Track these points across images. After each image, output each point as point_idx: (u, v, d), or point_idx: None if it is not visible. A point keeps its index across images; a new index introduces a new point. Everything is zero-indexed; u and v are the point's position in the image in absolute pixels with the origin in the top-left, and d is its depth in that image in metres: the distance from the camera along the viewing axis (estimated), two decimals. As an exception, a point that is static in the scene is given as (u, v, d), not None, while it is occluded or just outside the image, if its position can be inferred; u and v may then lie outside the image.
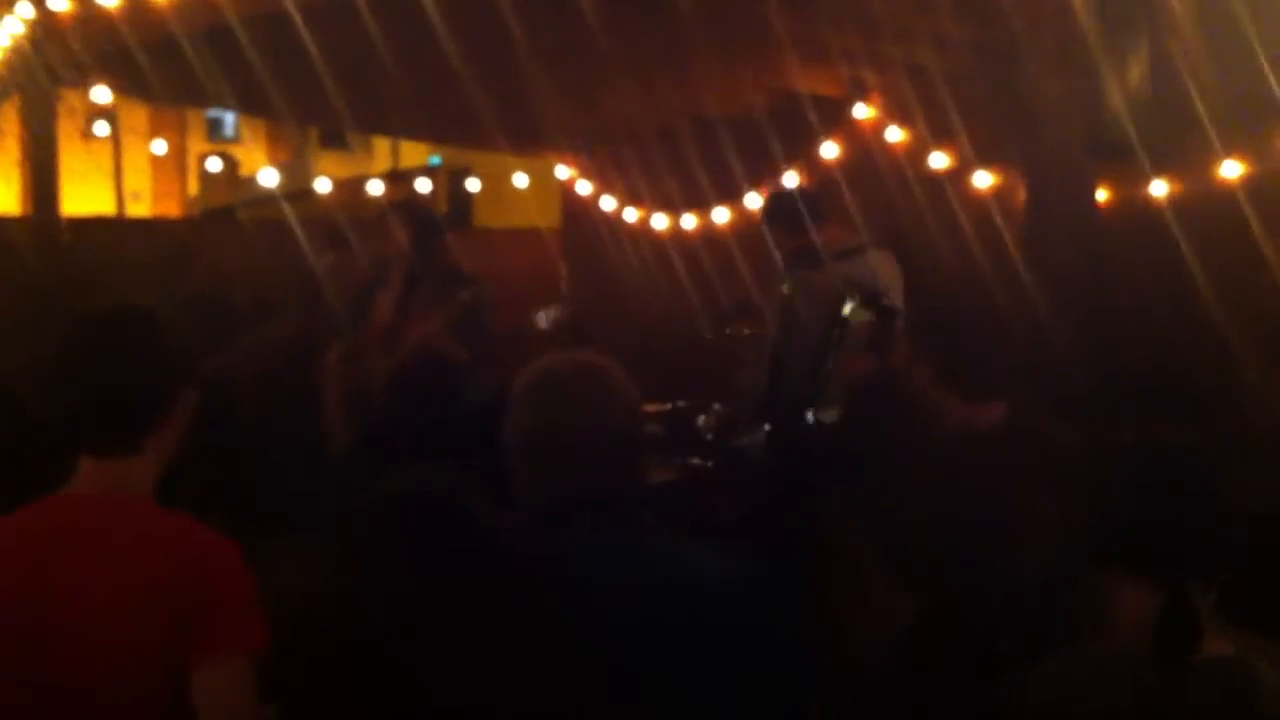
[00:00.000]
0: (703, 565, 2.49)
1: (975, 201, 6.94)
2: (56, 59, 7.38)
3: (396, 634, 1.78)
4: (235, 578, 2.42)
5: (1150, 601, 2.17)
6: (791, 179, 8.24)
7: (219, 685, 2.36)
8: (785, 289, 5.83)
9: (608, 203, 10.13)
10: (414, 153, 22.04)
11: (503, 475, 2.52)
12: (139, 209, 29.79)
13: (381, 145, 27.15)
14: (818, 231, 5.89)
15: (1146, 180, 6.30)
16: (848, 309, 5.49)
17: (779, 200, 6.31)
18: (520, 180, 12.25)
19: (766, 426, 6.07)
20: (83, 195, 21.79)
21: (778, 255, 5.89)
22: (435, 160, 19.74)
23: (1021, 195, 5.73)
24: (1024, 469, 3.06)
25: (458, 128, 9.42)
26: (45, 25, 7.16)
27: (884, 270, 5.76)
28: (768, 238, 6.12)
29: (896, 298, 5.71)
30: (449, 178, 17.21)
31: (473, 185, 15.36)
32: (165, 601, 2.36)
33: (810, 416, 5.61)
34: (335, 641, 1.81)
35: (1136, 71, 4.72)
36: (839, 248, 5.89)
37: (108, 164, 26.87)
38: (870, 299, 5.49)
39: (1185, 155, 6.09)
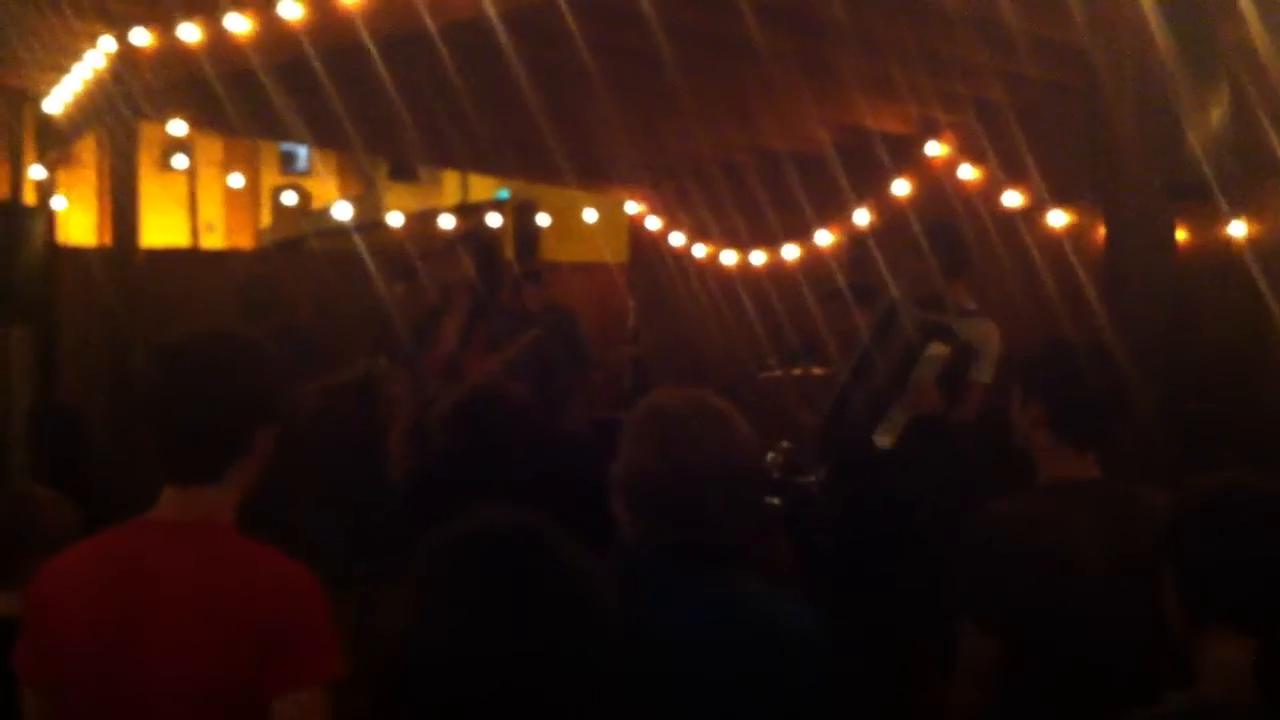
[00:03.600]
0: (794, 619, 2.44)
1: (1049, 240, 6.86)
2: (137, 92, 7.50)
3: (470, 675, 1.75)
4: (315, 607, 2.43)
5: (1243, 653, 2.12)
6: (862, 216, 8.20)
7: (297, 715, 2.37)
8: (868, 338, 5.73)
9: (676, 238, 10.14)
10: (482, 186, 22.15)
11: (572, 512, 2.50)
12: (213, 240, 30.17)
13: (450, 178, 27.30)
14: (945, 284, 5.76)
15: (1225, 221, 6.22)
16: (930, 349, 5.42)
17: (940, 233, 6.00)
18: (589, 215, 12.29)
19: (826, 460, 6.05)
20: (158, 226, 22.12)
21: (908, 290, 5.70)
22: (503, 194, 19.84)
23: (1096, 234, 5.67)
24: (1107, 520, 3.01)
25: (527, 162, 9.48)
26: (126, 58, 7.28)
27: (988, 340, 5.67)
28: (906, 270, 5.88)
29: (989, 364, 5.61)
30: (517, 212, 17.29)
31: (541, 220, 15.42)
32: (246, 629, 2.36)
33: (876, 440, 5.56)
34: (406, 680, 1.79)
35: (1216, 112, 4.65)
36: (956, 308, 5.79)
37: (183, 195, 27.28)
38: (947, 335, 5.43)
39: (1264, 197, 6.01)
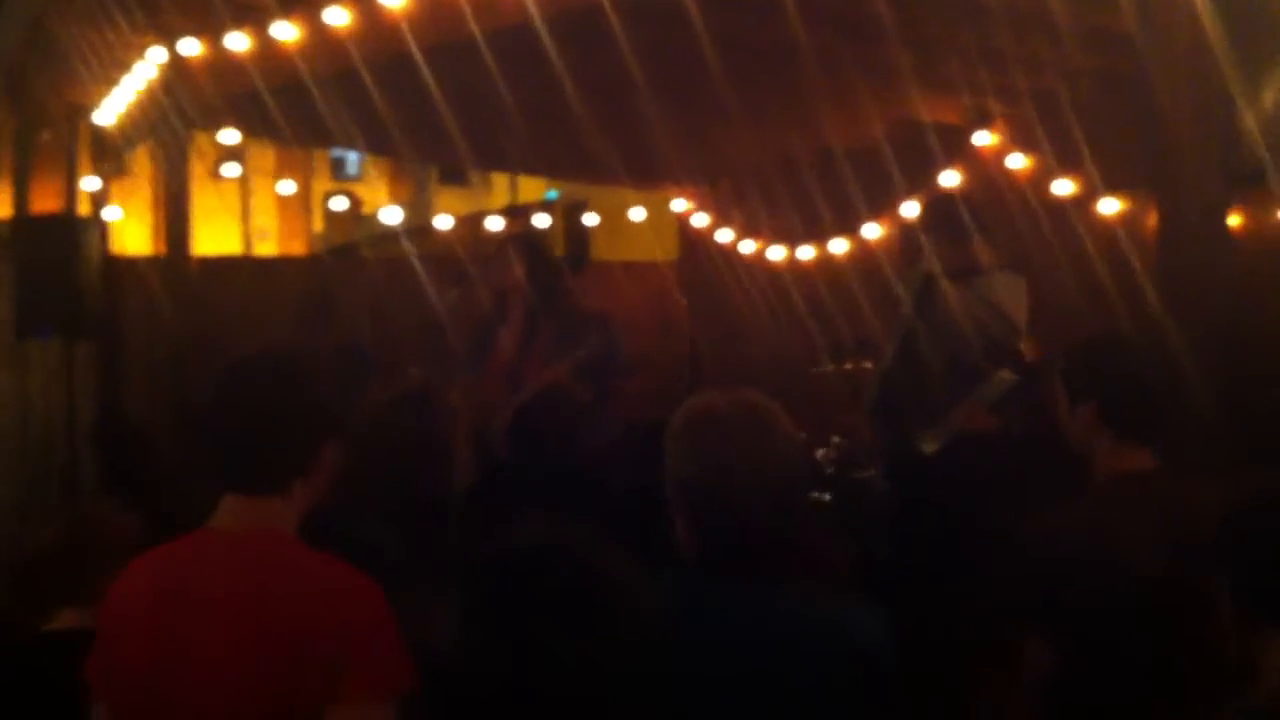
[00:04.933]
0: (857, 627, 2.42)
1: (1101, 228, 6.81)
2: (188, 102, 7.57)
3: (522, 690, 1.76)
4: (380, 619, 2.43)
5: None
6: (912, 209, 8.15)
7: None
8: (909, 311, 5.63)
9: (724, 235, 10.12)
10: (531, 187, 22.24)
11: (626, 518, 2.50)
12: (265, 248, 30.44)
13: (500, 180, 27.42)
14: (975, 246, 5.65)
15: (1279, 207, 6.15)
16: (997, 373, 5.33)
17: (941, 207, 5.94)
18: (637, 213, 12.30)
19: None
20: (211, 235, 22.34)
21: (936, 267, 5.58)
22: (552, 195, 19.89)
23: (1149, 222, 5.61)
24: (1167, 515, 2.96)
25: (577, 163, 9.50)
26: (177, 69, 7.34)
27: (1011, 293, 5.56)
28: (925, 248, 5.71)
29: (1020, 322, 5.52)
30: (566, 212, 17.33)
31: (590, 220, 15.45)
32: (310, 641, 2.37)
33: (916, 440, 5.49)
34: (461, 696, 1.80)
35: (1270, 97, 4.60)
36: (986, 265, 5.68)
37: (235, 204, 27.56)
38: (1016, 362, 5.34)
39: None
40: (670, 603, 1.94)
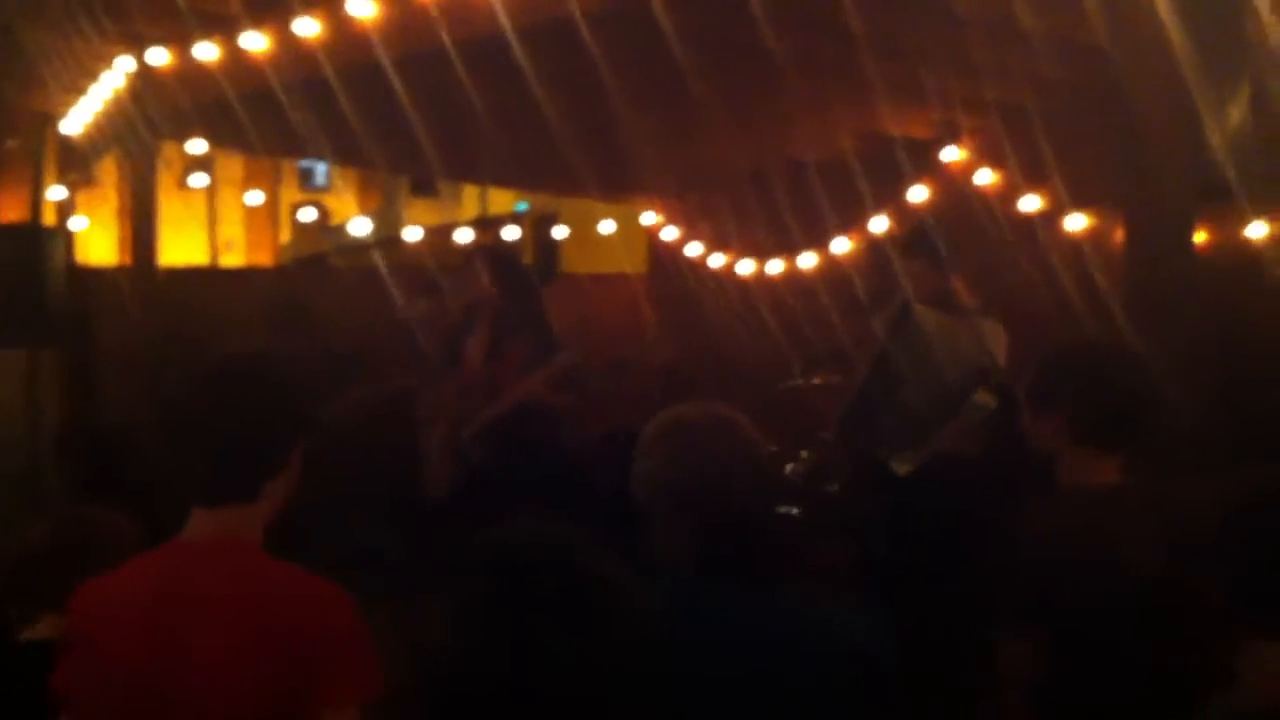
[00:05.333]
0: (849, 626, 2.45)
1: (1069, 244, 6.85)
2: (156, 111, 7.53)
3: (519, 691, 1.76)
4: (350, 628, 2.43)
5: None
6: (881, 223, 8.19)
7: None
8: (883, 337, 5.66)
9: (694, 248, 10.14)
10: (501, 199, 22.22)
11: (604, 523, 2.51)
12: (232, 258, 30.33)
13: (470, 192, 27.41)
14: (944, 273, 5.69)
15: (1246, 221, 6.20)
16: (977, 397, 5.34)
17: (923, 234, 5.96)
18: (606, 226, 12.31)
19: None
20: (178, 245, 22.23)
21: (911, 293, 5.61)
22: (522, 206, 19.90)
23: (1116, 237, 5.64)
24: (1140, 525, 2.97)
25: (547, 175, 9.50)
26: (145, 78, 7.31)
27: (996, 341, 5.60)
28: (903, 274, 5.76)
29: (998, 360, 5.54)
30: (535, 224, 17.34)
31: (559, 232, 15.45)
32: (282, 651, 2.37)
33: (892, 466, 5.49)
34: (457, 696, 1.79)
35: (1236, 112, 4.64)
36: (964, 305, 5.72)
37: (202, 213, 27.46)
38: (995, 387, 5.35)
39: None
40: (666, 604, 1.94)
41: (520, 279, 6.48)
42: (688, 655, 2.17)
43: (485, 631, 1.81)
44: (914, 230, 6.18)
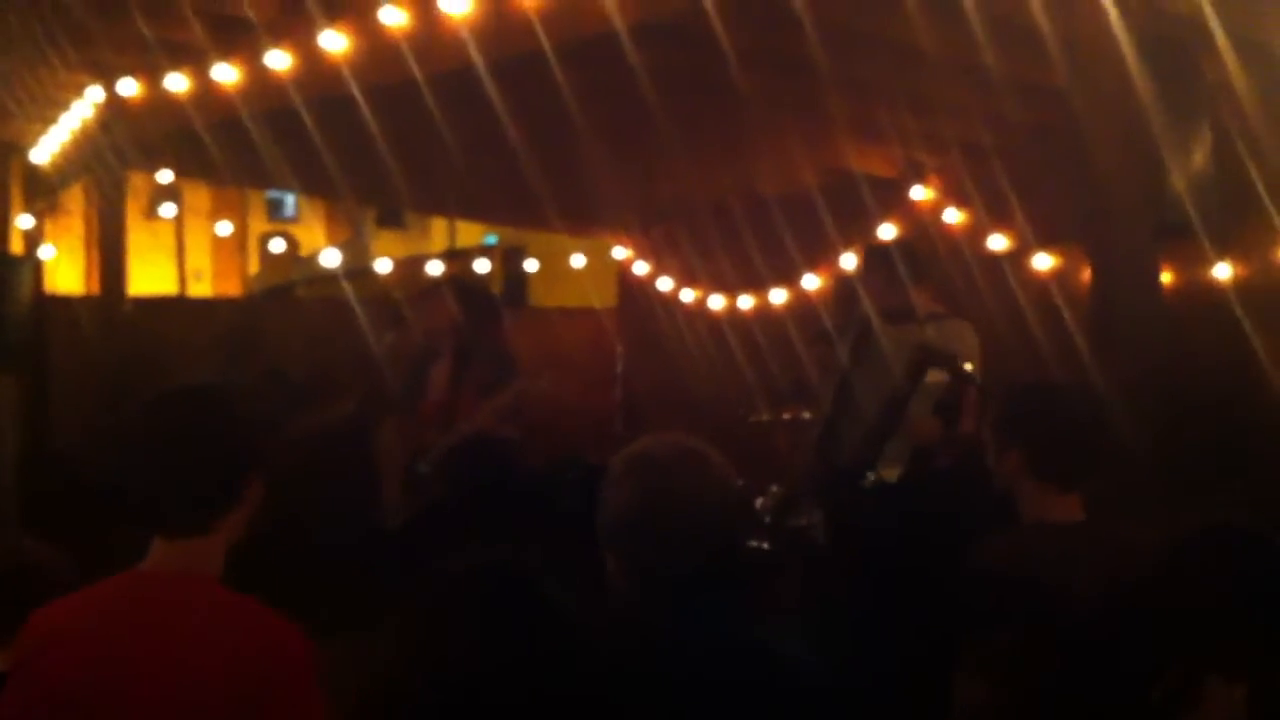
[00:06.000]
0: (786, 655, 2.44)
1: (1035, 283, 6.89)
2: (124, 142, 7.52)
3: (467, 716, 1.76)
4: (301, 663, 2.42)
5: (1235, 693, 2.12)
6: (849, 260, 8.22)
7: None
8: (845, 360, 5.71)
9: (664, 283, 10.16)
10: (470, 232, 22.24)
11: (561, 552, 2.50)
12: (200, 288, 30.19)
13: (438, 225, 27.43)
14: (911, 292, 5.73)
15: (1209, 262, 6.25)
16: (931, 377, 5.39)
17: (876, 254, 6.01)
18: (577, 260, 12.33)
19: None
20: (146, 275, 22.12)
21: (871, 310, 5.67)
22: (491, 239, 19.92)
23: (1082, 276, 5.68)
24: (1097, 564, 2.99)
25: (515, 209, 9.52)
26: (114, 108, 7.30)
27: (963, 341, 5.65)
28: (862, 291, 5.83)
29: (972, 364, 5.59)
30: (505, 257, 17.36)
31: (530, 265, 15.46)
32: (233, 684, 2.36)
33: (871, 476, 5.53)
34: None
35: (1198, 152, 4.69)
36: (924, 313, 5.77)
37: (170, 243, 27.30)
38: (947, 363, 5.40)
39: (1247, 237, 6.04)
40: (620, 636, 1.95)
41: (485, 309, 6.49)
42: (637, 686, 2.17)
43: (437, 662, 1.81)
44: (868, 251, 6.23)
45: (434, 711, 1.79)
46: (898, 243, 6.25)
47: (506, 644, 1.81)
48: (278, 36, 6.09)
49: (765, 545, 6.75)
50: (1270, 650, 2.15)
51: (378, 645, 1.96)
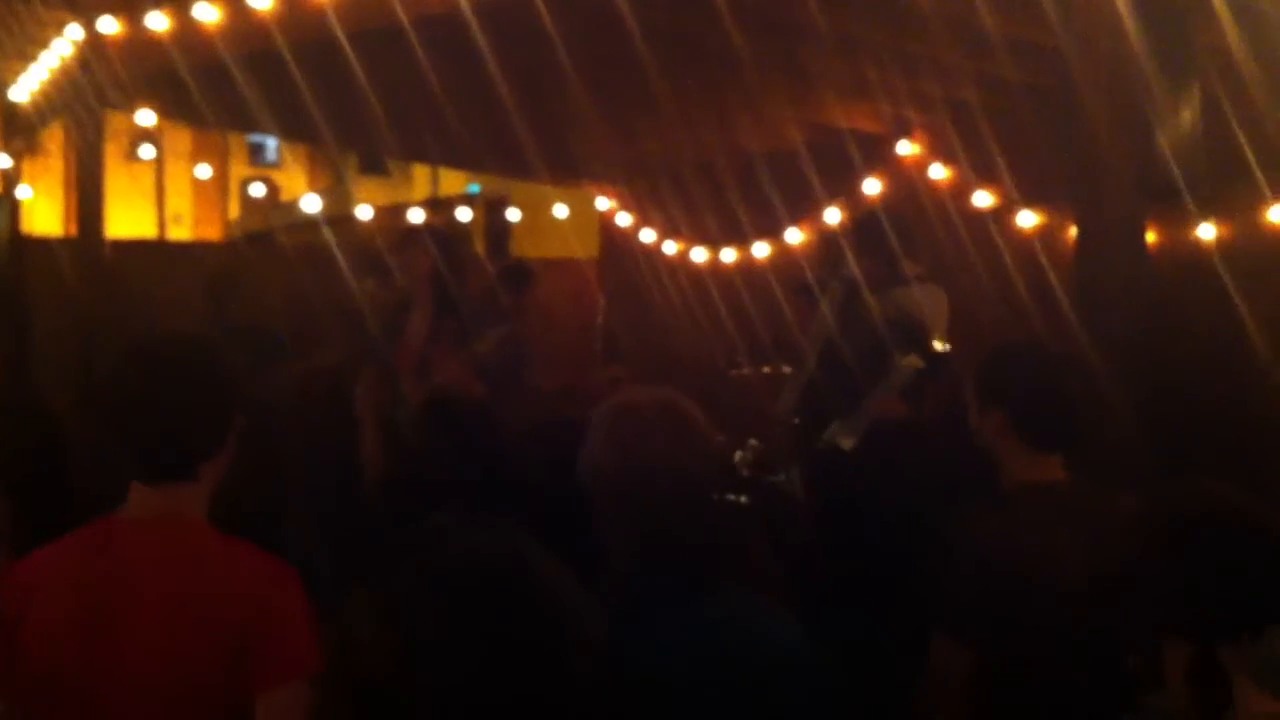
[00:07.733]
0: (781, 635, 2.45)
1: (1020, 240, 6.89)
2: (104, 81, 7.42)
3: (449, 698, 1.75)
4: (293, 601, 2.43)
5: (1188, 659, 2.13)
6: (834, 215, 8.20)
7: (281, 710, 2.37)
8: (829, 319, 5.72)
9: (647, 235, 10.13)
10: (453, 180, 22.09)
11: (542, 516, 2.49)
12: (180, 232, 30.04)
13: (421, 172, 27.28)
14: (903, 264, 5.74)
15: (1195, 223, 6.25)
16: (904, 360, 5.41)
17: (867, 225, 6.04)
18: (560, 211, 12.27)
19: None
20: (125, 218, 21.98)
21: (859, 276, 5.68)
22: (474, 189, 19.81)
23: (1067, 235, 5.67)
24: (1078, 528, 2.99)
25: (499, 157, 9.44)
26: (94, 47, 7.20)
27: (930, 303, 5.66)
28: (850, 260, 5.87)
29: (938, 332, 5.62)
30: (488, 206, 17.27)
31: (512, 215, 15.38)
32: (224, 627, 2.36)
33: (826, 437, 5.56)
34: (390, 698, 1.78)
35: (1187, 114, 4.67)
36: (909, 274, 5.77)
37: (150, 187, 27.12)
38: (923, 349, 5.41)
39: (1234, 198, 6.04)
40: (604, 609, 1.94)
41: (461, 259, 6.45)
42: (624, 661, 2.16)
43: (415, 634, 1.79)
44: (860, 221, 6.21)
45: (407, 688, 1.77)
46: (883, 204, 6.24)
47: (496, 629, 1.79)
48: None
49: (742, 499, 6.75)
50: (1214, 621, 2.14)
51: (354, 616, 1.95)
